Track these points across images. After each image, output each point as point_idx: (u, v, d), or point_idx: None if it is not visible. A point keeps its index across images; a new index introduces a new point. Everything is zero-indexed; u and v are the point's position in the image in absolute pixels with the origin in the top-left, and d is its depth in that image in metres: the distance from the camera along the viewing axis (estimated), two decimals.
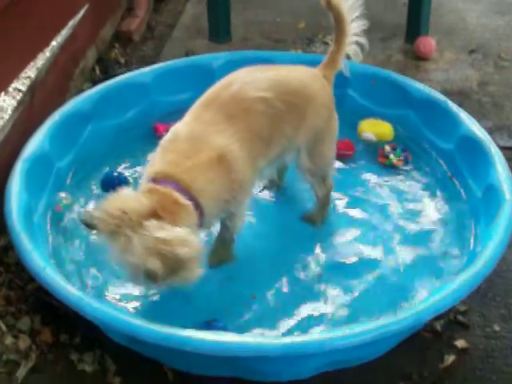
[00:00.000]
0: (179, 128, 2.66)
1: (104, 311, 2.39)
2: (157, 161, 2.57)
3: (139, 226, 2.28)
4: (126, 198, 2.39)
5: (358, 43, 3.04)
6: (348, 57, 3.03)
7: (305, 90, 2.84)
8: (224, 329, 2.57)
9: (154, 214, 2.33)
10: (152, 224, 2.28)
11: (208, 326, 2.58)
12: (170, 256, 2.25)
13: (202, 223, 2.55)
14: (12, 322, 2.75)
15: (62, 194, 3.19)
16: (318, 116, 2.87)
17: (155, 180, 2.47)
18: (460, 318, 2.80)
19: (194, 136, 2.59)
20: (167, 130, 2.71)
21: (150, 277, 2.26)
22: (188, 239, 2.32)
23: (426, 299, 2.46)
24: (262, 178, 3.07)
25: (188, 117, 2.71)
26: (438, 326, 2.74)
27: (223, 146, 2.58)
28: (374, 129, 3.59)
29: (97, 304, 2.41)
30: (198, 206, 2.48)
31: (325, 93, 2.92)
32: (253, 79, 2.75)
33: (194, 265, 2.37)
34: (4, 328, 2.71)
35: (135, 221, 2.29)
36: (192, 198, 2.46)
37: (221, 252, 2.94)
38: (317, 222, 3.13)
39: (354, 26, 2.99)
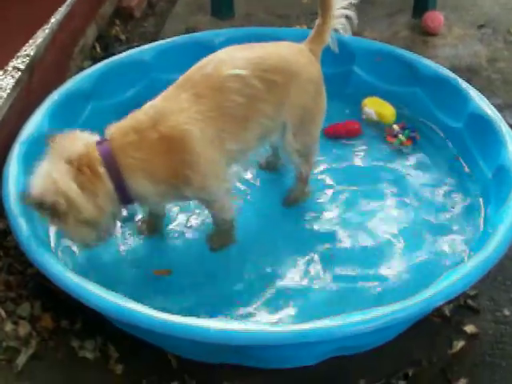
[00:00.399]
0: (148, 103, 2.62)
1: (105, 299, 2.33)
2: (117, 124, 2.57)
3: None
4: (71, 139, 2.53)
5: (346, 16, 2.92)
6: (336, 31, 2.94)
7: (287, 66, 2.74)
8: None
9: (70, 163, 2.43)
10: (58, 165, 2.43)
11: None
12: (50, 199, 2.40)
13: (130, 200, 2.58)
14: (12, 307, 2.71)
15: None
16: (304, 92, 2.78)
17: (103, 139, 2.54)
18: (470, 302, 2.74)
19: (156, 111, 2.54)
20: None
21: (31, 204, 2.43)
22: (67, 193, 2.41)
23: (437, 284, 2.38)
24: (246, 160, 2.93)
25: (160, 95, 2.66)
26: (447, 311, 2.69)
27: (178, 125, 2.50)
28: (376, 107, 3.51)
29: (98, 291, 2.35)
30: (120, 182, 2.49)
31: (311, 68, 2.82)
32: (230, 58, 2.68)
33: (75, 225, 2.48)
34: (4, 314, 2.67)
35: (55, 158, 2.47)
36: (116, 172, 2.47)
37: (219, 236, 2.90)
38: (300, 200, 3.08)
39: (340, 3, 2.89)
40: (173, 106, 2.56)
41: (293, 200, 3.08)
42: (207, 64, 2.67)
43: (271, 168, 3.25)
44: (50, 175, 2.43)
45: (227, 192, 2.76)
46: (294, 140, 2.85)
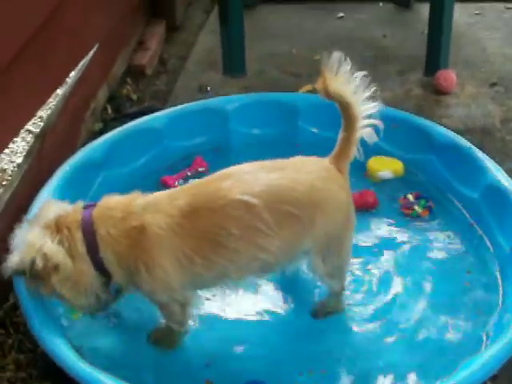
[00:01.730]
0: (156, 193, 2.61)
1: None
2: (113, 197, 2.58)
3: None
4: (52, 207, 2.54)
5: (371, 125, 2.67)
6: (362, 140, 2.70)
7: (314, 197, 2.55)
8: None
9: (47, 227, 2.45)
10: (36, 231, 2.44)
11: None
12: (28, 259, 2.39)
13: (104, 270, 2.51)
14: None
15: None
16: (331, 223, 2.60)
17: (92, 204, 2.56)
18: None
19: (148, 202, 2.52)
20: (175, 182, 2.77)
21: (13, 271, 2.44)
22: (49, 254, 2.38)
23: (455, 375, 2.33)
24: (226, 287, 2.72)
25: (168, 190, 2.65)
26: None
27: (153, 225, 2.43)
28: (388, 166, 3.49)
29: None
30: (94, 249, 2.47)
31: (341, 194, 2.62)
32: (250, 178, 2.51)
33: (61, 286, 2.45)
34: None
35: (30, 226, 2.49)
36: (91, 238, 2.46)
37: (161, 334, 2.77)
38: (333, 313, 2.88)
39: (365, 109, 2.63)
40: (163, 207, 2.48)
41: (325, 314, 2.88)
42: (227, 177, 2.55)
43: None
44: (25, 241, 2.43)
45: (177, 304, 2.63)
46: (323, 264, 2.69)
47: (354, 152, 2.69)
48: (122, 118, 4.05)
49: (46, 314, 2.57)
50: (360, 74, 2.56)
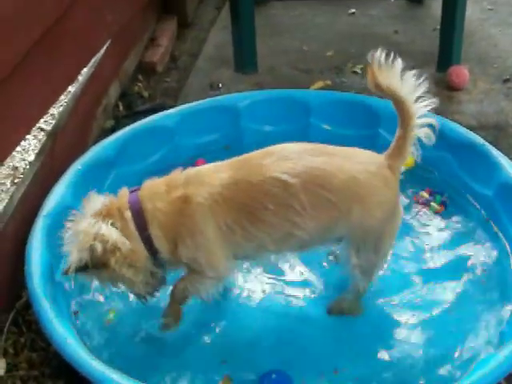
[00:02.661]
0: (196, 167, 2.73)
1: None
2: (155, 179, 2.67)
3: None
4: (97, 198, 2.62)
5: (429, 125, 2.66)
6: (419, 140, 2.68)
7: (354, 187, 2.56)
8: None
9: (96, 215, 2.53)
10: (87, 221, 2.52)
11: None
12: (87, 247, 2.46)
13: (155, 250, 2.58)
14: None
15: None
16: (369, 217, 2.59)
17: (136, 188, 2.65)
18: (503, 383, 2.65)
19: (192, 175, 2.62)
20: None
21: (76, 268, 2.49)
22: (106, 236, 2.47)
23: (470, 375, 2.31)
24: (267, 260, 2.80)
25: (213, 164, 2.71)
26: None
27: (196, 195, 2.53)
28: None
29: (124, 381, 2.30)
30: (143, 227, 2.55)
31: (384, 191, 2.60)
32: (293, 158, 2.56)
33: (120, 266, 2.50)
34: None
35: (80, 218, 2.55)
36: (140, 218, 2.55)
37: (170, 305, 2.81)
38: (348, 313, 2.88)
39: (420, 107, 2.61)
40: (206, 178, 2.58)
41: (339, 311, 2.89)
42: (270, 154, 2.60)
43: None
44: (79, 232, 2.52)
45: (214, 278, 2.68)
46: (356, 255, 2.69)
47: (410, 151, 2.66)
48: (133, 115, 4.04)
49: (58, 313, 2.57)
50: (411, 73, 2.57)
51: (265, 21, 4.92)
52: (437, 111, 3.74)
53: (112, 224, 2.52)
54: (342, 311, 2.88)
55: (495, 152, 3.26)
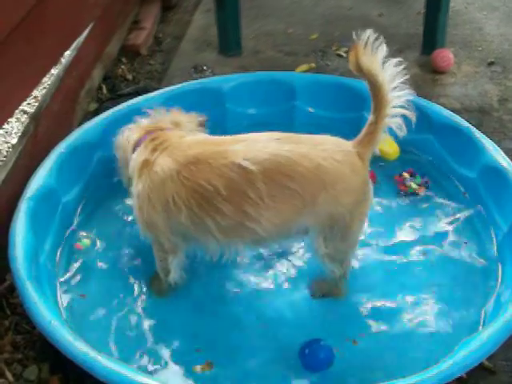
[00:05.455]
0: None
1: (114, 371, 2.28)
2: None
3: None
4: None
5: (403, 116, 2.59)
6: (390, 130, 2.62)
7: (319, 175, 2.50)
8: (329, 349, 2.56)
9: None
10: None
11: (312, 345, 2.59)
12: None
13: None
14: (19, 370, 2.66)
15: (83, 233, 3.14)
16: (336, 204, 2.54)
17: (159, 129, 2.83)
18: (485, 363, 2.67)
19: (167, 140, 2.72)
20: None
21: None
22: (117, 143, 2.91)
23: (452, 356, 2.33)
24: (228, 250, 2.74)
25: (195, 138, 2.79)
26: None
27: (160, 163, 2.62)
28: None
29: (108, 363, 2.30)
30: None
31: (352, 178, 2.55)
32: (260, 146, 2.54)
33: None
34: (11, 378, 2.62)
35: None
36: (134, 148, 2.81)
37: (156, 279, 2.90)
38: (330, 295, 2.86)
39: (397, 96, 2.55)
40: (176, 152, 2.63)
41: (321, 293, 2.87)
42: (239, 141, 2.61)
43: None
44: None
45: (162, 249, 2.75)
46: (324, 244, 2.65)
47: (379, 139, 2.61)
48: (117, 97, 4.02)
49: (42, 295, 2.57)
50: (393, 60, 2.53)
51: (249, 3, 4.90)
52: (421, 94, 3.80)
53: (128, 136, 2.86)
54: (325, 294, 2.86)
55: (479, 135, 3.27)
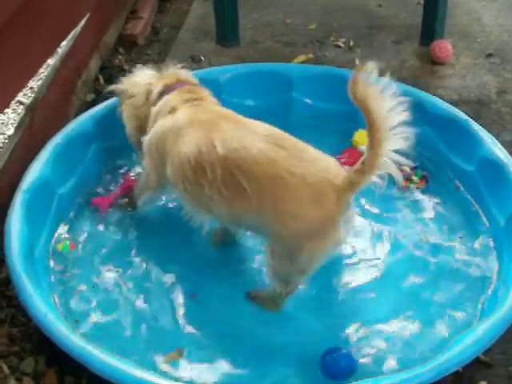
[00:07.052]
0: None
1: (110, 365, 2.27)
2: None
3: None
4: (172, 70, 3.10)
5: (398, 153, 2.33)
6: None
7: (271, 184, 2.41)
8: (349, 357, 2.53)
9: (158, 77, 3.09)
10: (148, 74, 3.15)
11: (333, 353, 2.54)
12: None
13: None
14: (16, 362, 2.65)
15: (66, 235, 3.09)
16: (281, 223, 2.44)
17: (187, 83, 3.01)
18: (482, 356, 2.67)
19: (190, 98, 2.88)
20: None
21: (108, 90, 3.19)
22: (135, 84, 3.08)
23: (447, 350, 2.33)
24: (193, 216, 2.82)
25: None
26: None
27: (176, 116, 2.79)
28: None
29: (104, 357, 2.30)
30: (154, 104, 2.96)
31: (310, 207, 2.39)
32: (244, 135, 2.56)
33: (124, 101, 3.09)
34: (7, 370, 2.62)
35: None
36: (159, 98, 2.95)
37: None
38: (265, 306, 2.74)
39: (396, 137, 2.30)
40: (191, 115, 2.76)
41: (256, 299, 2.77)
42: (237, 122, 2.67)
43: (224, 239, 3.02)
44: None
45: (147, 179, 2.94)
46: (271, 255, 2.56)
47: (364, 183, 2.38)
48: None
49: (37, 288, 2.57)
50: (392, 89, 2.28)
51: None
52: (419, 85, 3.80)
53: (148, 84, 3.00)
54: (259, 303, 2.76)
55: (477, 127, 3.25)
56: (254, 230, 2.70)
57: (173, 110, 2.81)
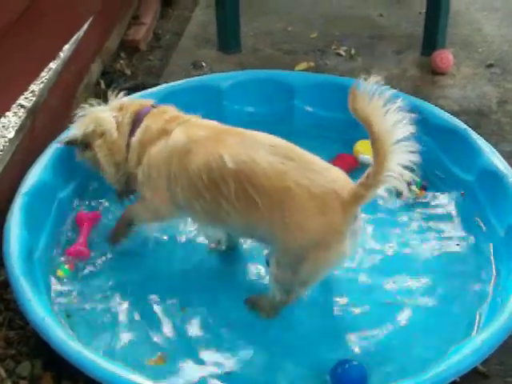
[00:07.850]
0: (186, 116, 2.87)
1: (107, 370, 2.27)
2: (168, 107, 2.93)
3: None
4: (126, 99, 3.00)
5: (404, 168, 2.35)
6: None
7: (280, 196, 2.43)
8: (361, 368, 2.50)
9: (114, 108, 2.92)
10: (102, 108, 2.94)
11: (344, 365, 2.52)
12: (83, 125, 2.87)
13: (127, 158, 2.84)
14: (12, 366, 2.64)
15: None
16: (288, 233, 2.46)
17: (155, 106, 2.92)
18: (479, 367, 2.67)
19: (184, 121, 2.80)
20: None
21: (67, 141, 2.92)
22: (101, 120, 2.84)
23: (443, 361, 2.33)
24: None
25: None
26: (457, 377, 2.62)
27: (172, 137, 2.69)
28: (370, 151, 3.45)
29: (101, 362, 2.30)
30: (132, 134, 2.83)
31: (316, 217, 2.41)
32: (253, 148, 2.55)
33: (100, 150, 2.84)
34: (3, 374, 2.61)
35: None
36: (136, 126, 2.82)
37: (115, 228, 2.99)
38: (260, 312, 2.74)
39: (400, 151, 2.30)
40: (190, 131, 2.70)
41: (254, 306, 2.77)
42: (241, 135, 2.64)
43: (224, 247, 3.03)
44: (87, 115, 2.92)
45: (155, 208, 2.82)
46: (276, 265, 2.58)
47: (369, 198, 2.40)
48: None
49: (35, 292, 2.56)
50: (396, 104, 2.28)
51: (249, 1, 4.88)
52: (420, 95, 3.81)
53: (114, 117, 2.84)
54: (256, 308, 2.76)
55: (477, 137, 3.26)
56: (265, 240, 2.69)
57: (164, 133, 2.72)
